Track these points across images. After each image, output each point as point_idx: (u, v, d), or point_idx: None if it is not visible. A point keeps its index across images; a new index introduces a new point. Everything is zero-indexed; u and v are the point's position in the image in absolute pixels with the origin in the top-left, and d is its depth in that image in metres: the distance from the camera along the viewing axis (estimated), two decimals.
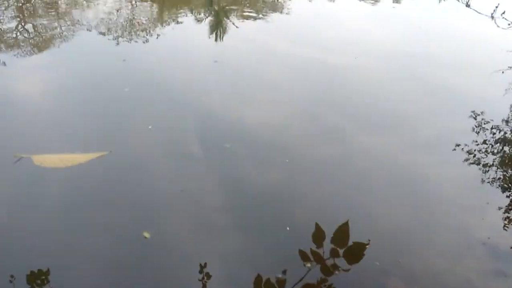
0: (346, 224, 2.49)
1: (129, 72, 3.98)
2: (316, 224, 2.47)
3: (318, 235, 2.41)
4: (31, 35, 4.65)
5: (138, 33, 4.94)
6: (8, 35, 4.54)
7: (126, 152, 2.91)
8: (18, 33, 4.63)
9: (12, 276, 2.01)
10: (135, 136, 3.09)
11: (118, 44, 4.57)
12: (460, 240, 2.40)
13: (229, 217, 2.50)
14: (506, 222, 2.58)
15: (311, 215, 2.53)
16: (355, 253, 2.34)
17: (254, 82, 4.02)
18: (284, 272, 2.17)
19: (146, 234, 2.33)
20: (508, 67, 4.80)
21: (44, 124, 3.13)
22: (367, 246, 2.36)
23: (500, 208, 2.69)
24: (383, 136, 3.36)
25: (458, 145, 3.31)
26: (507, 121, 3.71)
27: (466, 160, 3.20)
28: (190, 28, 5.29)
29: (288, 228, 2.43)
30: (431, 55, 4.97)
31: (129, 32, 4.94)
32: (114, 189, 2.61)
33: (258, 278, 2.14)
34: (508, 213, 2.65)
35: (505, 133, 3.54)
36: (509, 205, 2.72)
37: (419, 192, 2.82)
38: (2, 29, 4.68)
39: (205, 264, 2.20)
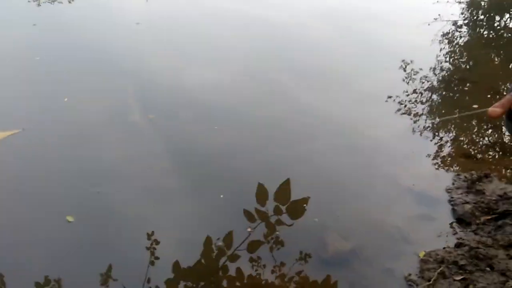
0: (287, 182, 2.63)
1: (40, 39, 3.69)
2: (259, 184, 2.58)
3: (261, 195, 2.53)
4: None
5: None
6: None
7: (40, 130, 2.78)
8: None
9: None
10: (50, 111, 2.94)
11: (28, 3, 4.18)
12: (391, 189, 2.61)
13: (173, 179, 2.54)
14: (428, 169, 2.83)
15: (254, 175, 2.62)
16: (297, 208, 2.50)
17: (190, 42, 3.92)
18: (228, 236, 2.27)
19: (70, 218, 2.28)
20: (434, 19, 5.04)
21: None
22: (305, 204, 2.52)
23: (428, 156, 2.92)
24: (321, 91, 3.48)
25: (390, 97, 3.52)
26: (434, 70, 3.97)
27: (398, 110, 3.40)
28: None
29: (224, 194, 2.50)
30: (363, 11, 5.08)
31: None
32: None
33: (208, 239, 2.23)
34: (433, 160, 2.89)
35: (433, 82, 3.80)
36: (436, 152, 2.96)
37: (354, 145, 2.98)
38: None
39: (153, 232, 2.25)
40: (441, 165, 2.77)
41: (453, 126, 3.20)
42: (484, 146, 2.91)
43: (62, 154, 2.66)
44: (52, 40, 3.69)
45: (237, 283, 2.06)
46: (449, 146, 2.95)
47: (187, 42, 3.95)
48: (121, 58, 3.62)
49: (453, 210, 2.37)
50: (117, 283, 2.01)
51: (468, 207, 2.36)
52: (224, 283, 2.05)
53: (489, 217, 2.30)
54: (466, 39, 4.59)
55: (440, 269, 1.92)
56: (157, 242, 2.22)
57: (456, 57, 4.26)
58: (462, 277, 1.88)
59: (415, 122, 3.31)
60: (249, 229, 2.31)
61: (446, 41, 4.54)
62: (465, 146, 2.95)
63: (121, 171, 2.56)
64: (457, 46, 4.47)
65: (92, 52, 3.67)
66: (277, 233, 2.29)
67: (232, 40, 4.03)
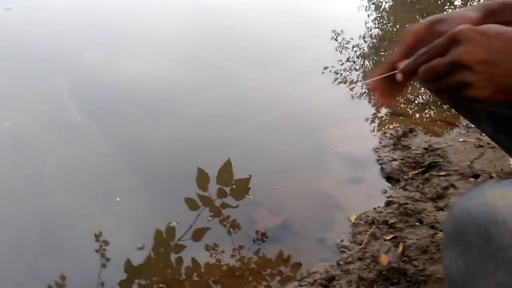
0: (228, 163, 2.69)
1: None
2: (198, 169, 2.63)
3: (202, 179, 2.59)
4: None
5: None
6: None
7: None
8: None
9: None
10: None
11: None
12: (319, 157, 2.70)
13: (116, 177, 2.54)
14: (356, 132, 2.95)
15: (196, 164, 2.65)
16: (241, 189, 2.58)
17: (121, 28, 3.78)
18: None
19: None
20: None
21: None
22: (248, 183, 2.60)
23: (355, 119, 3.04)
24: (262, 69, 3.50)
25: (326, 67, 3.59)
26: (363, 37, 4.05)
27: (335, 80, 3.49)
28: None
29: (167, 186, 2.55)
30: None
31: None
32: None
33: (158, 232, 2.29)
34: (360, 122, 3.01)
35: (364, 48, 3.89)
36: (363, 115, 3.08)
37: (295, 121, 3.07)
38: None
39: (100, 233, 2.28)
40: (368, 126, 2.91)
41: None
42: (407, 103, 3.06)
43: None
44: None
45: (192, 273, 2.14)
46: (374, 108, 3.08)
47: (118, 31, 3.81)
48: (45, 48, 3.45)
49: (382, 169, 2.51)
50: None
51: (395, 164, 2.50)
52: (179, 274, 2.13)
53: (416, 172, 2.45)
54: (390, 3, 4.67)
55: (371, 230, 2.04)
56: (106, 243, 2.25)
57: (383, 22, 4.35)
58: (392, 236, 1.95)
59: (347, 89, 3.41)
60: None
61: (373, 7, 4.62)
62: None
63: (57, 172, 2.51)
64: (383, 11, 4.55)
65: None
66: (209, 219, 2.33)
67: (162, 26, 3.92)
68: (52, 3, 4.41)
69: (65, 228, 2.26)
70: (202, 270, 2.13)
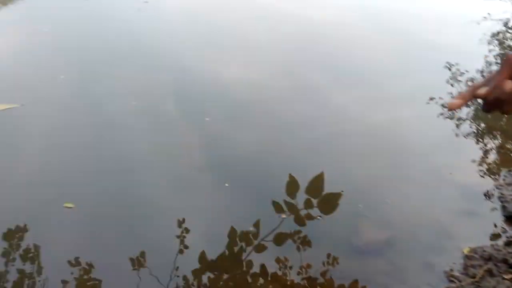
0: (320, 175, 2.54)
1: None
2: (290, 175, 2.50)
3: (292, 186, 2.45)
4: None
5: None
6: None
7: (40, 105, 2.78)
8: None
9: None
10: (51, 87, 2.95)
11: None
12: (433, 183, 2.46)
13: (207, 175, 2.51)
14: (475, 165, 2.64)
15: (285, 170, 2.55)
16: (330, 203, 2.40)
17: (226, 38, 3.94)
18: (256, 224, 2.21)
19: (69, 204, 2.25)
20: (483, 17, 4.80)
21: None
22: (338, 200, 2.41)
23: (475, 153, 2.73)
24: (358, 91, 3.36)
25: (433, 98, 3.34)
26: (481, 72, 3.75)
27: (441, 114, 3.23)
28: None
29: (253, 188, 2.45)
30: (406, 8, 4.92)
31: None
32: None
33: (232, 231, 2.18)
34: (480, 157, 2.70)
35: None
36: (482, 158, 2.77)
37: (392, 146, 2.87)
38: None
39: (183, 220, 2.22)
40: (490, 160, 2.59)
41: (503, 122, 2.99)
42: None
43: (85, 139, 2.65)
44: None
45: (261, 276, 1.98)
46: (499, 142, 2.75)
47: (220, 36, 3.95)
48: (152, 47, 3.64)
49: (503, 208, 2.20)
50: (145, 270, 1.99)
51: None
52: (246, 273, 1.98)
53: None
54: None
55: (487, 266, 1.76)
56: (187, 231, 2.18)
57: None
58: None
59: (458, 126, 3.10)
60: (283, 216, 2.23)
61: (496, 42, 4.30)
62: None
63: (148, 160, 2.55)
64: (506, 48, 4.21)
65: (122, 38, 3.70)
66: (308, 223, 2.20)
67: (265, 36, 4.00)
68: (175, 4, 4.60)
69: (155, 212, 2.26)
70: (277, 273, 1.96)
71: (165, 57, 3.51)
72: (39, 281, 1.89)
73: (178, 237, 2.16)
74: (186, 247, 2.12)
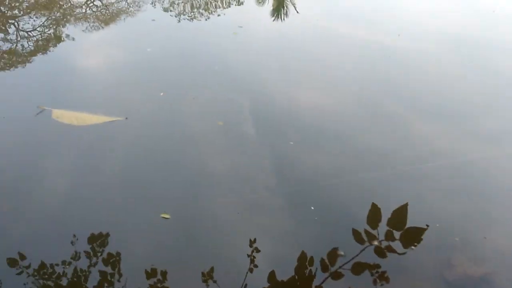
0: (404, 207, 2.37)
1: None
2: (373, 204, 2.36)
3: (374, 216, 2.31)
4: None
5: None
6: None
7: (141, 119, 2.94)
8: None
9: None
10: (152, 103, 3.11)
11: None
12: None
13: (276, 198, 2.46)
14: None
15: (363, 201, 2.42)
16: (413, 237, 2.21)
17: (304, 64, 3.94)
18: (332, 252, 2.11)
19: (165, 215, 2.27)
20: None
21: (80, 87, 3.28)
22: (422, 234, 2.23)
23: None
24: (441, 125, 3.15)
25: None
26: None
27: None
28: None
29: (329, 213, 2.35)
30: (503, 42, 4.58)
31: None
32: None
33: (303, 255, 2.09)
34: None
35: None
36: None
37: (482, 183, 2.63)
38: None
39: (255, 239, 2.18)
40: None
41: None
42: None
43: (163, 152, 2.72)
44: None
45: None
46: None
47: (298, 61, 3.96)
48: (233, 71, 3.75)
49: None
50: (215, 285, 1.97)
51: None
52: None
53: None
54: None
55: None
56: (257, 250, 2.13)
57: None
58: None
59: None
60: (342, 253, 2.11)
61: None
62: None
63: (222, 180, 2.54)
64: None
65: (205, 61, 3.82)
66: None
67: (344, 64, 3.94)
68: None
69: (220, 228, 2.25)
70: None
71: (250, 81, 3.59)
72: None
73: (248, 256, 2.11)
74: (256, 266, 2.07)
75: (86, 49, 3.95)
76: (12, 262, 1.93)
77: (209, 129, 2.93)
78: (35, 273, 1.90)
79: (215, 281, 1.97)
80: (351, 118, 3.18)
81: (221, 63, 3.77)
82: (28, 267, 1.93)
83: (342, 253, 2.10)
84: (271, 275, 2.00)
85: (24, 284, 1.88)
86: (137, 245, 2.10)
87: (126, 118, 2.90)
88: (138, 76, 3.50)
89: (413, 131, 3.08)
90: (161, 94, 3.23)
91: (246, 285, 1.96)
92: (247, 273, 2.02)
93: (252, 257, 2.10)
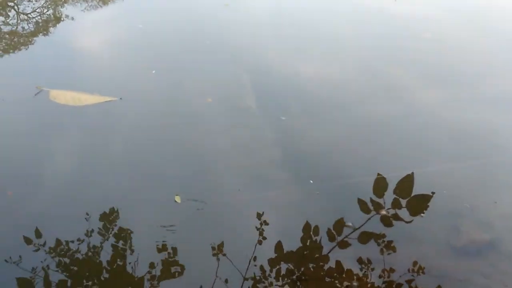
0: (410, 176, 2.37)
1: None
2: (378, 174, 2.37)
3: (380, 185, 2.32)
4: None
5: None
6: None
7: (136, 98, 2.91)
8: None
9: None
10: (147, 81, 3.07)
11: None
12: None
13: (281, 170, 2.47)
14: None
15: (369, 170, 2.43)
16: (419, 204, 2.23)
17: (310, 32, 3.86)
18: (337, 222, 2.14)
19: (177, 199, 2.27)
20: None
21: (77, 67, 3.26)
22: (429, 202, 2.25)
23: None
24: (446, 91, 3.11)
25: None
26: None
27: None
28: None
29: (333, 184, 2.36)
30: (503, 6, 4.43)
31: None
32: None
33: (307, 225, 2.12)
34: None
35: None
36: None
37: (485, 148, 2.62)
38: None
39: (263, 213, 2.21)
40: None
41: None
42: None
43: (165, 132, 2.69)
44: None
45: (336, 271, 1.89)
46: None
47: (303, 31, 3.89)
48: (233, 40, 3.70)
49: None
50: (223, 257, 2.01)
51: None
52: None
53: None
54: None
55: None
56: (266, 223, 2.17)
57: None
58: None
59: None
60: (350, 224, 2.14)
61: None
62: None
63: (225, 154, 2.55)
64: None
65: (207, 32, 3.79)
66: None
67: (348, 32, 3.86)
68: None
69: (228, 203, 2.28)
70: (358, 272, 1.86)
71: (247, 53, 3.53)
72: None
73: (257, 228, 2.15)
74: (264, 238, 2.11)
75: (80, 28, 3.90)
76: (28, 240, 1.99)
77: (205, 104, 2.91)
78: (51, 250, 1.97)
79: (224, 254, 2.02)
80: (353, 87, 3.15)
81: (214, 36, 3.70)
82: (43, 245, 1.99)
83: (350, 224, 2.13)
84: (278, 246, 2.04)
85: (41, 261, 1.95)
86: (146, 221, 2.15)
87: (120, 99, 2.88)
88: (131, 54, 3.47)
89: (417, 98, 3.04)
90: (153, 72, 3.19)
91: (255, 257, 2.00)
92: (256, 245, 2.07)
93: (260, 229, 2.14)
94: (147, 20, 3.98)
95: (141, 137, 2.66)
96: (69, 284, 1.86)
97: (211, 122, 2.78)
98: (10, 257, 1.92)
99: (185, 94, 3.03)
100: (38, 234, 2.02)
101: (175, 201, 2.24)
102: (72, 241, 2.01)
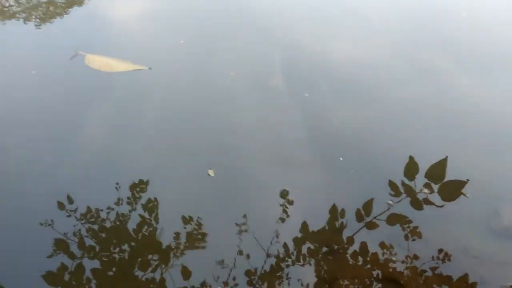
0: (444, 160, 2.29)
1: None
2: (410, 157, 2.30)
3: (411, 168, 2.25)
4: None
5: None
6: None
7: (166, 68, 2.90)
8: None
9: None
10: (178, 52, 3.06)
11: None
12: None
13: (311, 152, 2.43)
14: None
15: (402, 153, 2.36)
16: (452, 190, 2.15)
17: (339, 13, 3.74)
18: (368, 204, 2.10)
19: (211, 173, 2.27)
20: None
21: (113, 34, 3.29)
22: (462, 187, 2.16)
23: None
24: (484, 79, 2.95)
25: None
26: None
27: None
28: None
29: (364, 167, 2.31)
30: None
31: None
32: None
33: (333, 208, 2.09)
34: None
35: None
36: None
37: None
38: None
39: (287, 191, 2.19)
40: None
41: None
42: None
43: (195, 106, 2.68)
44: None
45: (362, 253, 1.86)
46: None
47: (335, 13, 3.76)
48: (265, 19, 3.63)
49: None
50: (248, 234, 2.02)
51: None
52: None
53: None
54: None
55: None
56: (290, 202, 2.15)
57: None
58: None
59: None
60: (390, 202, 2.08)
61: None
62: None
63: (252, 134, 2.52)
64: None
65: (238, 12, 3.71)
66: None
67: (382, 14, 3.70)
68: None
69: (253, 180, 2.26)
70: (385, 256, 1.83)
71: (277, 31, 3.45)
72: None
73: (281, 205, 2.14)
74: (288, 216, 2.10)
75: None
76: (60, 205, 2.07)
77: (229, 81, 2.87)
78: (82, 217, 2.03)
79: (248, 231, 2.02)
80: (387, 70, 3.03)
81: (245, 13, 3.64)
82: (75, 210, 2.06)
83: (390, 202, 2.08)
84: (304, 226, 2.03)
85: (74, 225, 2.02)
86: (174, 193, 2.18)
87: (150, 68, 2.88)
88: (158, 23, 3.47)
89: (453, 83, 2.91)
90: (181, 41, 3.17)
91: (278, 234, 2.00)
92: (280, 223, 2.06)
93: (285, 207, 2.13)
94: None
95: (170, 107, 2.67)
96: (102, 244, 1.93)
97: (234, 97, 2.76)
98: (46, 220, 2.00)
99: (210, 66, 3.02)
100: (70, 201, 2.09)
101: (209, 174, 2.25)
102: (102, 209, 2.07)
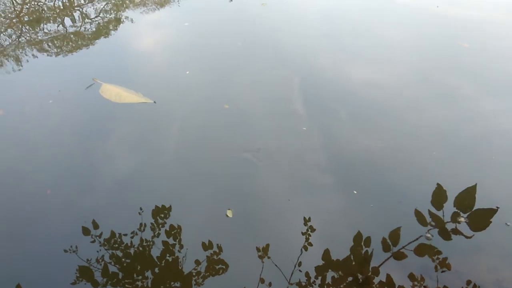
0: (473, 188, 2.21)
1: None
2: (438, 185, 2.24)
3: (439, 197, 2.18)
4: None
5: None
6: None
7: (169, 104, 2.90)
8: None
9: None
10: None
11: None
12: None
13: (326, 174, 2.39)
14: None
15: (425, 182, 2.30)
16: (481, 219, 2.07)
17: (356, 35, 3.73)
18: (394, 233, 2.03)
19: (229, 214, 2.22)
20: None
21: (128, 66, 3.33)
22: (492, 217, 2.08)
23: None
24: (504, 102, 2.87)
25: None
26: None
27: None
28: None
29: (384, 195, 2.25)
30: None
31: None
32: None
33: (358, 235, 2.04)
34: None
35: None
36: None
37: None
38: None
39: (309, 218, 2.15)
40: None
41: None
42: None
43: (211, 132, 2.68)
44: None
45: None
46: None
47: (352, 35, 3.76)
48: (284, 44, 3.65)
49: None
50: (269, 261, 1.99)
51: None
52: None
53: None
54: None
55: None
56: (313, 229, 2.11)
57: None
58: None
59: None
60: (429, 235, 2.01)
61: None
62: None
63: (272, 158, 2.51)
64: None
65: (257, 36, 3.77)
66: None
67: (402, 36, 3.67)
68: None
69: (275, 207, 2.25)
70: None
71: (292, 53, 3.47)
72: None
73: (303, 234, 2.11)
74: (310, 244, 2.06)
75: (136, 30, 4.00)
76: (85, 231, 2.09)
77: (248, 105, 2.87)
78: (106, 242, 2.05)
79: (269, 257, 1.99)
80: (406, 94, 2.99)
81: (249, 35, 3.67)
82: (99, 236, 2.08)
83: (429, 235, 2.02)
84: (326, 253, 1.98)
85: (97, 251, 2.03)
86: (194, 218, 2.17)
87: (154, 102, 2.90)
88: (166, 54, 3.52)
89: (474, 107, 2.84)
90: (187, 72, 3.21)
91: (300, 263, 1.96)
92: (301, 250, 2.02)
93: (307, 236, 2.09)
94: (195, 21, 4.03)
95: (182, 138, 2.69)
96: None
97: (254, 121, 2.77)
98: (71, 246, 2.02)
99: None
100: (96, 226, 2.11)
101: (227, 215, 2.22)
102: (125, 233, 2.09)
